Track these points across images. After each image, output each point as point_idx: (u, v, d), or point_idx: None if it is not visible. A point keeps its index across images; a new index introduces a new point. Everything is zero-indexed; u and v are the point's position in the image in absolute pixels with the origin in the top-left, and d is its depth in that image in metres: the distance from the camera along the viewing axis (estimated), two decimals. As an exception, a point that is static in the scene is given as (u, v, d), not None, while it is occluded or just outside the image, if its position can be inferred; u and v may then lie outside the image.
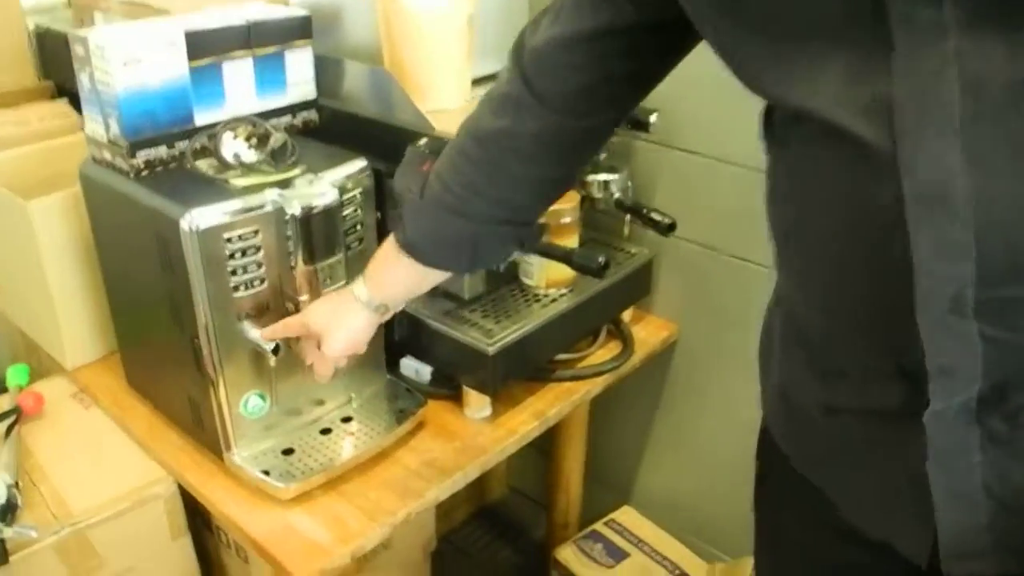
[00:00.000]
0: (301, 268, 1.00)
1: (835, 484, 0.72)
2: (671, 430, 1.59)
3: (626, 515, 1.64)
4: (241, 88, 1.12)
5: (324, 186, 1.01)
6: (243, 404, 1.06)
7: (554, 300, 1.27)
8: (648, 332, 1.45)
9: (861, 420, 0.65)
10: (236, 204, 0.97)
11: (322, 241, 1.01)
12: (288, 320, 1.00)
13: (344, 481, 1.10)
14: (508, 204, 0.84)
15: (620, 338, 1.41)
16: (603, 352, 1.39)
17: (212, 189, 1.01)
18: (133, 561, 1.16)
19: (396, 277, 0.92)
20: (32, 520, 1.09)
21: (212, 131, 1.07)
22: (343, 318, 0.95)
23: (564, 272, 1.24)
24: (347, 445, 1.11)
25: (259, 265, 0.99)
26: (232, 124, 1.08)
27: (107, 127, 1.05)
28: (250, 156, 1.06)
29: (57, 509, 1.11)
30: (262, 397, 1.07)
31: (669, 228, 1.25)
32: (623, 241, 1.44)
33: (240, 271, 0.98)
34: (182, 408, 1.14)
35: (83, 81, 1.05)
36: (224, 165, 1.05)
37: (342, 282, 1.05)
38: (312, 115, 1.22)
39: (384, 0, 1.18)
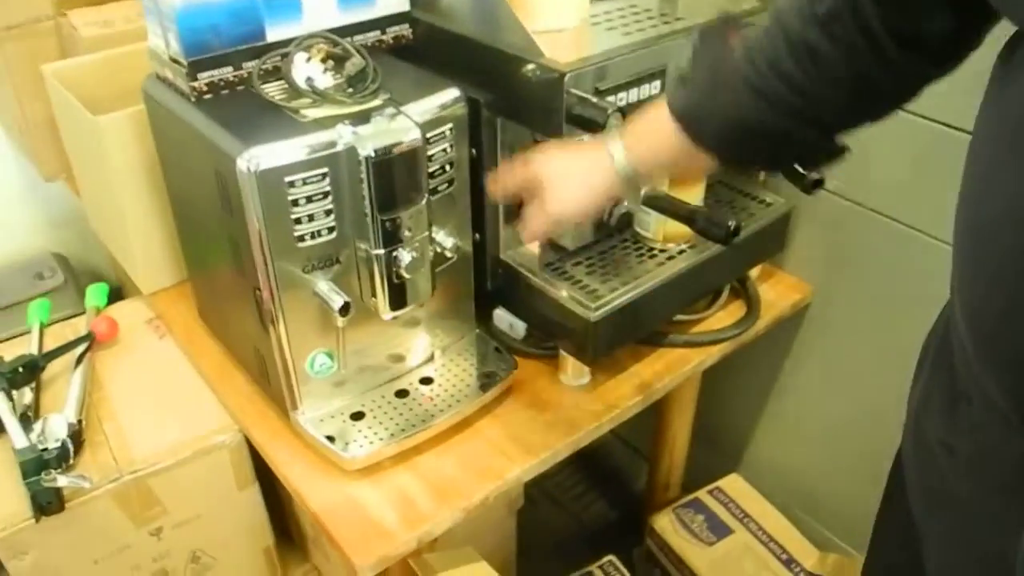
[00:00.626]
0: (376, 216, 0.86)
1: (932, 540, 0.66)
2: (792, 400, 1.41)
3: (733, 484, 1.49)
4: (321, -2, 0.96)
5: (406, 122, 0.86)
6: (309, 362, 0.95)
7: (672, 257, 1.10)
8: (777, 293, 1.26)
9: (975, 472, 0.60)
10: (303, 141, 0.83)
11: (401, 187, 0.86)
12: (516, 166, 0.84)
13: (418, 451, 0.99)
14: (819, 101, 0.67)
15: (745, 299, 1.23)
16: (724, 315, 1.21)
17: (278, 121, 0.87)
18: (198, 510, 1.09)
19: (659, 146, 0.76)
20: (93, 464, 1.03)
21: (284, 50, 0.92)
22: (585, 173, 0.80)
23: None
24: (423, 411, 0.99)
25: (327, 212, 0.86)
26: (307, 43, 0.93)
27: (167, 42, 0.92)
28: (325, 81, 0.91)
29: (119, 453, 1.04)
30: (330, 356, 0.96)
31: (815, 185, 1.04)
32: (757, 188, 1.24)
33: (306, 219, 0.85)
34: (249, 356, 1.04)
35: (142, -12, 0.92)
36: (295, 91, 0.90)
37: (425, 233, 0.90)
38: (404, 30, 1.05)
39: None
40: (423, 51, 1.05)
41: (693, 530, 1.41)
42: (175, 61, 0.92)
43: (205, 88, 0.92)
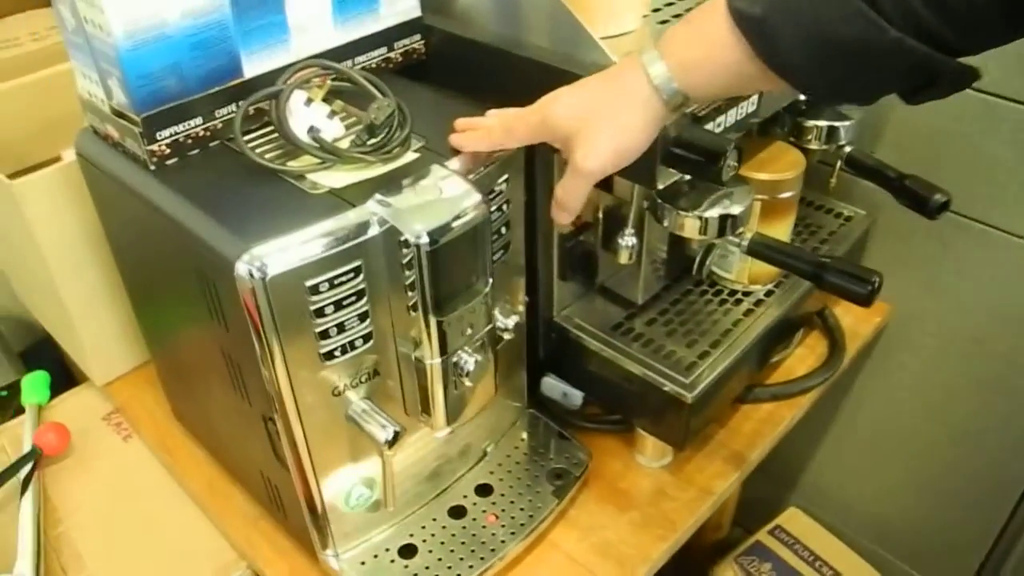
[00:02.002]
0: (432, 319, 0.63)
1: None
2: (863, 425, 1.24)
3: (794, 520, 1.32)
4: (312, 12, 0.72)
5: (459, 185, 0.63)
6: (344, 499, 0.73)
7: (760, 301, 0.90)
8: (856, 317, 1.08)
9: None
10: (323, 228, 0.60)
11: (463, 275, 0.64)
12: (515, 115, 0.65)
13: (486, 585, 0.78)
14: (938, 12, 0.49)
15: (824, 330, 1.04)
16: (803, 352, 1.02)
17: (280, 195, 0.64)
18: (201, 669, 0.86)
19: (714, 66, 0.56)
20: (61, 637, 0.79)
21: (273, 90, 0.68)
22: (614, 111, 0.60)
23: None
24: (488, 535, 0.78)
25: (362, 317, 0.63)
26: (302, 75, 0.69)
27: (107, 90, 0.67)
28: (334, 131, 0.67)
29: (94, 617, 0.80)
30: (370, 487, 0.73)
31: (942, 208, 0.85)
32: (827, 196, 1.05)
33: (334, 330, 0.62)
34: (254, 479, 0.81)
35: (63, 16, 0.66)
36: (293, 147, 0.67)
37: (489, 325, 0.68)
38: (416, 43, 0.82)
39: None
40: (442, 69, 0.82)
41: (763, 581, 1.23)
42: (121, 116, 0.68)
43: (167, 151, 0.68)
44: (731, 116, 0.73)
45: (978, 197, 0.95)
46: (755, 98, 0.75)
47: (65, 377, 1.13)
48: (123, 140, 0.70)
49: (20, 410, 1.03)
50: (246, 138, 0.69)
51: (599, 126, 0.60)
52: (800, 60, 0.53)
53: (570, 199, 0.63)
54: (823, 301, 1.03)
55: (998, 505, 1.12)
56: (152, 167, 0.68)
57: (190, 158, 0.69)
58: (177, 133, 0.68)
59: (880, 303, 1.10)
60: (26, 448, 0.94)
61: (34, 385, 1.04)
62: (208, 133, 0.70)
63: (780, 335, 0.94)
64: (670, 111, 0.59)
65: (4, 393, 1.15)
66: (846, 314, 1.08)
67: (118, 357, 1.01)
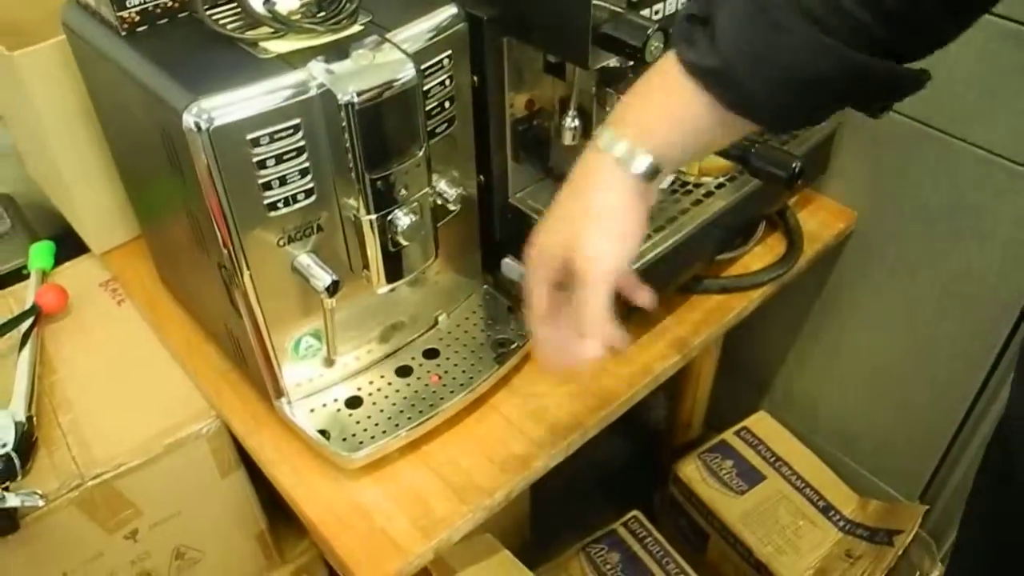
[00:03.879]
0: (365, 175, 0.69)
1: None
2: (831, 332, 1.28)
3: (761, 423, 1.38)
4: None
5: (395, 53, 0.68)
6: (293, 346, 0.80)
7: (710, 193, 0.94)
8: (819, 221, 1.11)
9: None
10: (267, 86, 0.65)
11: (394, 136, 0.69)
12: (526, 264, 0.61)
13: (427, 439, 0.85)
14: (907, 18, 0.50)
15: (784, 231, 1.08)
16: (762, 250, 1.06)
17: (233, 59, 0.69)
18: (177, 507, 0.96)
19: (677, 121, 0.54)
20: (50, 468, 0.88)
21: (234, -38, 0.73)
22: (594, 207, 0.56)
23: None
24: (431, 392, 0.85)
25: (303, 173, 0.69)
26: (262, -49, 0.73)
27: (83, -41, 0.72)
28: (288, 4, 0.72)
29: (79, 452, 0.89)
30: (317, 337, 0.80)
31: (883, 107, 0.87)
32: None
33: (276, 182, 0.68)
34: (221, 333, 0.88)
35: None
36: (251, 18, 0.72)
37: (425, 189, 0.74)
38: (380, -71, 0.85)
39: None
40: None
41: (722, 477, 1.30)
42: (97, -17, 0.73)
43: (136, 18, 0.74)
44: (670, 4, 0.76)
45: (941, 107, 0.97)
46: (697, -12, 0.78)
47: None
48: (99, 8, 0.75)
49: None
50: (211, 11, 0.74)
51: (586, 228, 0.56)
52: (767, 100, 0.52)
53: (592, 320, 0.57)
54: (783, 201, 1.06)
55: (950, 414, 1.16)
56: (123, 32, 0.73)
57: (159, 26, 0.75)
58: (146, 2, 0.74)
59: (847, 210, 1.13)
60: (27, 306, 1.03)
61: (40, 252, 1.12)
62: (176, 4, 0.75)
63: (731, 228, 0.98)
64: (649, 182, 0.56)
65: (25, 271, 1.24)
66: (811, 217, 1.11)
67: (115, 229, 1.08)
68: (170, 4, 0.75)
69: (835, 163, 1.11)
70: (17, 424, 0.88)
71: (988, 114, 0.93)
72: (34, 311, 1.02)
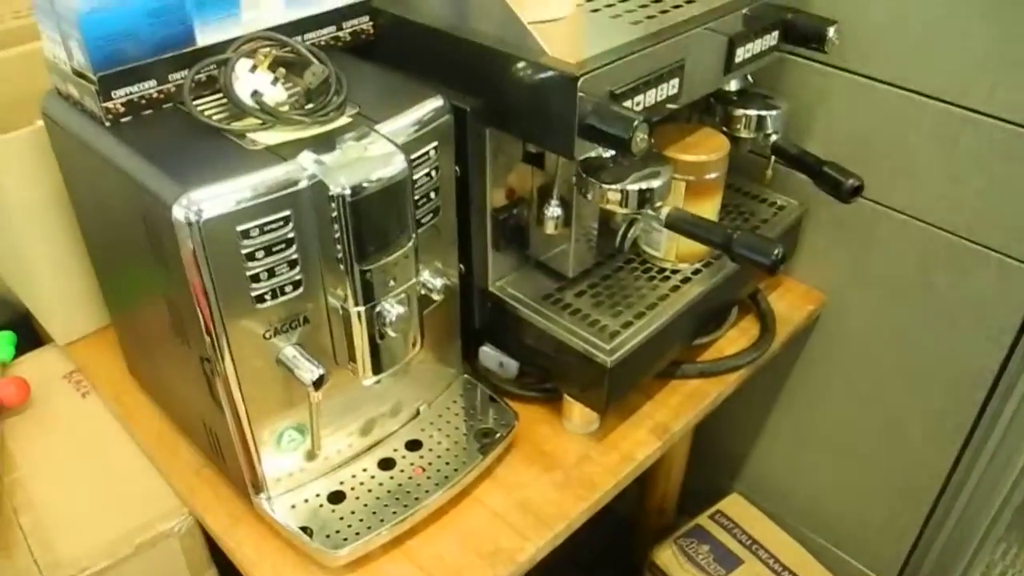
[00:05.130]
0: (354, 267, 0.68)
1: None
2: (800, 412, 1.29)
3: (735, 506, 1.37)
4: (262, -12, 0.78)
5: (385, 145, 0.69)
6: (275, 440, 0.78)
7: (687, 279, 0.95)
8: (788, 303, 1.13)
9: None
10: (256, 179, 0.65)
11: (384, 228, 0.69)
12: None
13: (411, 533, 0.82)
14: None
15: (757, 314, 1.09)
16: (736, 333, 1.07)
17: (220, 150, 0.69)
18: (143, 610, 0.91)
19: None
20: (11, 571, 0.83)
21: (221, 56, 0.73)
22: None
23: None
24: (414, 485, 0.83)
25: (292, 265, 0.68)
26: (250, 46, 0.74)
27: (68, 52, 0.72)
28: (275, 95, 0.73)
29: (42, 555, 0.85)
30: (300, 431, 0.78)
31: (855, 192, 0.91)
32: (764, 187, 1.10)
33: (265, 275, 0.67)
34: (197, 428, 0.86)
35: (31, -18, 0.72)
36: (239, 109, 0.72)
37: (412, 279, 0.73)
38: (364, 24, 0.87)
39: None
40: (388, 49, 0.87)
41: (699, 563, 1.28)
42: (81, 76, 0.73)
43: (122, 109, 0.73)
44: (650, 97, 0.78)
45: (900, 189, 1.00)
46: (675, 81, 0.81)
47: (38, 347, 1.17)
48: (82, 99, 0.75)
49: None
50: (197, 101, 0.74)
51: None
52: None
53: None
54: (754, 285, 1.08)
55: (924, 491, 1.17)
56: (107, 123, 0.73)
57: (144, 117, 0.75)
58: (132, 93, 0.73)
59: (814, 292, 1.16)
60: (-13, 400, 0.99)
61: None
62: (162, 95, 0.75)
63: (708, 313, 0.99)
64: None
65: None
66: (780, 300, 1.13)
67: (80, 318, 1.05)
68: (155, 95, 0.75)
69: (802, 246, 1.14)
70: (-24, 527, 0.83)
71: (950, 197, 0.96)
72: (-6, 405, 0.98)
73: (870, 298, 1.10)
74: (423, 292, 0.78)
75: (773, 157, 1.00)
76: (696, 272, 0.96)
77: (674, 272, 0.95)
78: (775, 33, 0.92)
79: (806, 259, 1.15)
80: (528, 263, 0.94)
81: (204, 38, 0.76)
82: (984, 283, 0.98)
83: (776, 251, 0.75)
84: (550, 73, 0.72)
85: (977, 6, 0.87)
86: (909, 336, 1.09)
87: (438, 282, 0.79)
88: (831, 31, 0.91)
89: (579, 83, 0.70)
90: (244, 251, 0.65)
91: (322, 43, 0.84)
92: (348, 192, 0.65)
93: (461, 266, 0.87)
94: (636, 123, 0.69)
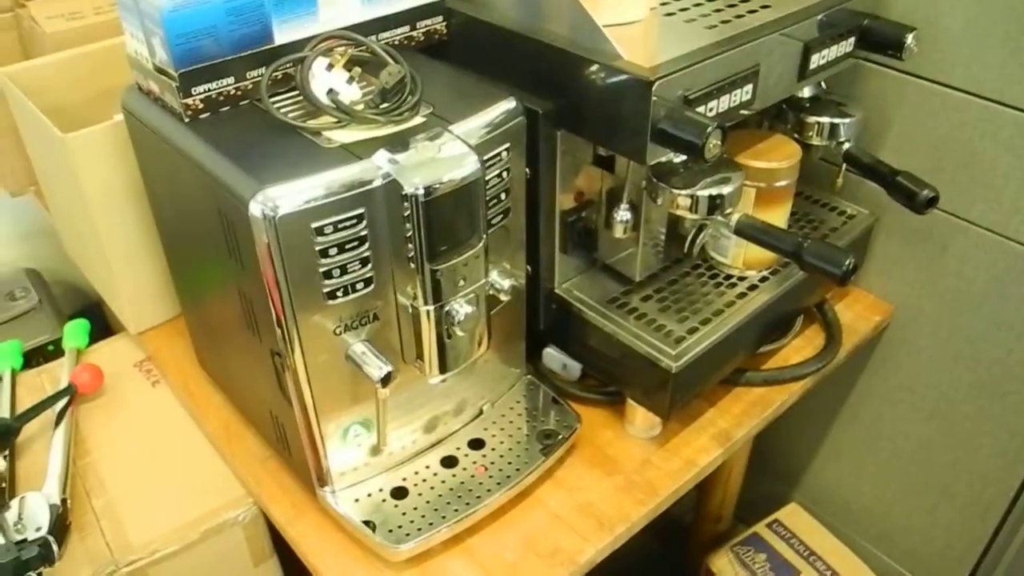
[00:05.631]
0: (426, 267, 0.69)
1: None
2: (862, 425, 1.26)
3: (793, 516, 1.35)
4: (340, -12, 0.79)
5: (459, 146, 0.69)
6: (341, 435, 0.79)
7: (754, 286, 0.94)
8: (856, 313, 1.11)
9: None
10: (332, 177, 0.66)
11: (456, 228, 0.69)
12: None
13: (471, 532, 0.83)
14: None
15: (823, 323, 1.08)
16: (801, 342, 1.06)
17: (297, 148, 0.70)
18: (207, 595, 0.93)
19: None
20: (83, 553, 0.86)
21: (297, 55, 0.74)
22: None
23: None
24: (476, 484, 0.83)
25: (364, 262, 0.69)
26: (326, 45, 0.75)
27: (151, 48, 0.74)
28: (351, 94, 0.74)
29: (113, 537, 0.88)
30: (365, 426, 0.79)
31: (929, 203, 0.89)
32: (834, 196, 1.08)
33: (337, 272, 0.68)
34: (263, 417, 0.87)
35: (119, -20, 0.74)
36: (314, 107, 0.73)
37: (482, 280, 0.74)
38: (438, 24, 0.88)
39: None
40: (461, 49, 0.88)
41: (755, 571, 1.26)
42: (162, 72, 0.75)
43: (201, 105, 0.75)
44: (723, 102, 0.78)
45: (976, 200, 0.98)
46: (749, 87, 0.80)
47: (108, 336, 1.21)
48: (162, 94, 0.77)
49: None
50: (273, 99, 0.76)
51: None
52: None
53: None
54: (821, 294, 1.06)
55: (990, 509, 1.14)
56: (186, 119, 0.75)
57: (221, 114, 0.76)
58: (211, 90, 0.75)
59: (882, 302, 1.13)
60: (63, 386, 1.02)
61: (74, 331, 1.12)
62: (239, 92, 0.77)
63: (774, 321, 0.97)
64: None
65: (51, 348, 1.24)
66: (847, 310, 1.11)
67: (152, 309, 1.08)
68: (233, 92, 0.76)
69: (871, 256, 1.11)
70: (52, 507, 0.86)
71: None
72: (70, 391, 1.01)
73: (941, 310, 1.08)
74: (491, 292, 0.79)
75: (845, 165, 0.98)
76: (763, 279, 0.94)
77: (741, 279, 0.94)
78: (851, 39, 0.90)
79: (875, 269, 1.13)
80: (595, 266, 0.94)
81: (282, 36, 0.77)
82: (1063, 298, 0.95)
83: (848, 261, 0.74)
84: (624, 77, 0.72)
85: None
86: (980, 350, 1.06)
87: (506, 283, 0.79)
88: (909, 38, 0.89)
89: (653, 88, 0.70)
90: (318, 248, 0.66)
91: (396, 42, 0.85)
92: (421, 192, 0.65)
93: (528, 267, 0.88)
94: (710, 129, 0.68)
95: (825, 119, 0.94)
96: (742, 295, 0.93)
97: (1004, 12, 0.88)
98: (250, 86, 0.77)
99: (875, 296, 1.14)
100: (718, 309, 0.90)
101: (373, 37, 0.81)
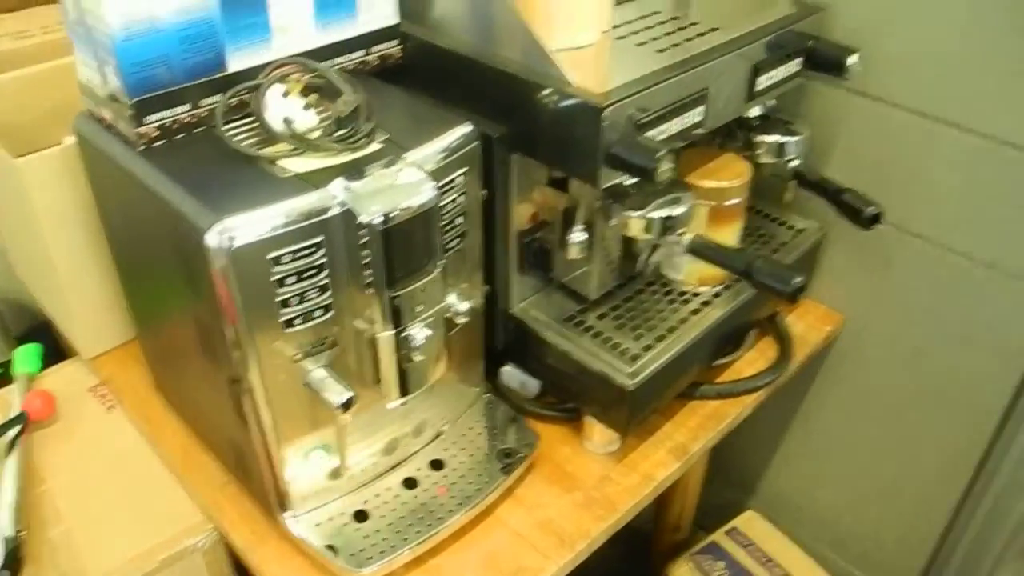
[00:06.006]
0: (384, 293, 0.70)
1: None
2: (816, 433, 1.29)
3: (751, 523, 1.37)
4: (294, 14, 0.79)
5: (415, 173, 0.70)
6: (301, 460, 0.79)
7: (707, 302, 0.96)
8: (807, 324, 1.14)
9: None
10: (288, 206, 0.66)
11: (413, 255, 0.70)
12: None
13: (434, 552, 0.83)
14: None
15: (775, 335, 1.10)
16: (754, 355, 1.08)
17: (253, 177, 0.70)
18: (167, 623, 0.92)
19: None
20: (37, 583, 0.85)
21: (253, 83, 0.75)
22: None
23: (722, 267, 0.92)
24: (438, 505, 0.84)
25: (322, 290, 0.69)
26: (282, 72, 0.75)
27: (103, 77, 0.74)
28: (306, 120, 0.74)
29: (70, 566, 0.86)
30: (326, 450, 0.79)
31: (874, 220, 0.91)
32: (784, 210, 1.11)
33: (295, 300, 0.69)
34: (223, 444, 0.87)
35: (67, 8, 0.73)
36: (269, 134, 0.73)
37: (440, 304, 0.74)
38: (393, 48, 0.89)
39: None
40: (416, 73, 0.88)
41: (715, 580, 1.28)
42: (115, 100, 0.74)
43: (155, 133, 0.75)
44: (674, 125, 0.79)
45: (920, 214, 1.01)
46: (699, 109, 0.82)
47: (58, 358, 1.19)
48: (116, 122, 0.76)
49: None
50: (230, 126, 0.76)
51: None
52: None
53: None
54: (773, 307, 1.09)
55: (937, 513, 1.17)
56: (140, 148, 0.74)
57: (176, 142, 0.76)
58: (165, 118, 0.75)
59: (833, 313, 1.16)
60: (14, 413, 1.00)
61: (25, 356, 1.10)
62: (194, 119, 0.77)
63: (727, 335, 0.99)
64: None
65: (0, 372, 1.22)
66: (799, 321, 1.14)
67: (106, 332, 1.07)
68: (188, 120, 0.76)
69: (821, 268, 1.14)
70: (5, 540, 0.85)
71: (969, 222, 0.97)
72: (22, 419, 0.99)
73: (888, 320, 1.11)
74: (449, 315, 0.79)
75: (794, 182, 1.01)
76: (716, 295, 0.96)
77: (695, 295, 0.96)
78: (797, 60, 0.93)
79: (825, 280, 1.15)
80: (552, 284, 0.95)
81: (236, 63, 0.77)
82: (1001, 308, 0.98)
83: (796, 280, 0.76)
84: (575, 102, 0.73)
85: (992, 38, 0.87)
86: (926, 359, 1.09)
87: (464, 305, 0.80)
88: (852, 59, 0.92)
89: (604, 114, 0.71)
90: (275, 278, 0.67)
91: (351, 67, 0.85)
92: (378, 220, 0.66)
93: (486, 287, 0.88)
94: (660, 154, 0.70)
95: (773, 138, 0.96)
96: (696, 311, 0.94)
97: (941, 35, 0.91)
98: (205, 113, 0.76)
99: (826, 307, 1.16)
100: (672, 325, 0.92)
101: (328, 63, 0.82)
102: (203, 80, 0.75)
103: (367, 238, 0.67)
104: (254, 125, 0.75)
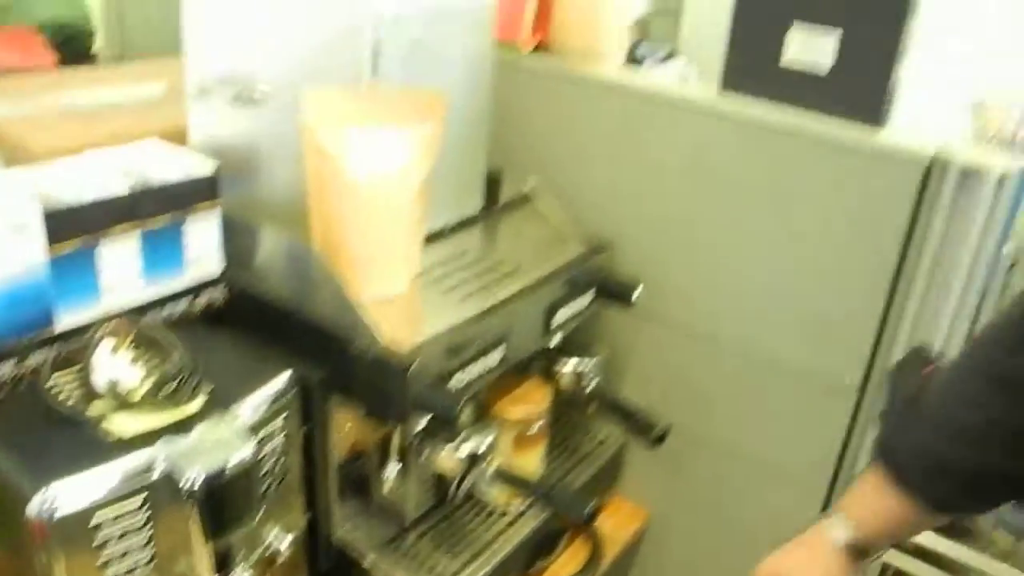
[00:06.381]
0: (204, 546, 0.73)
1: None
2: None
3: None
4: (123, 273, 0.85)
5: (236, 430, 0.76)
6: None
7: (520, 515, 1.04)
8: (617, 522, 1.24)
9: None
10: (111, 471, 0.70)
11: (234, 509, 0.75)
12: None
13: None
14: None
15: (585, 536, 1.19)
16: (568, 557, 1.16)
17: (77, 439, 0.74)
18: None
19: (880, 508, 0.72)
20: None
21: (82, 340, 0.79)
22: (805, 569, 0.74)
23: (529, 484, 1.01)
24: None
25: (146, 544, 0.73)
26: (110, 331, 0.81)
27: (-71, 343, 0.77)
28: (132, 381, 0.79)
29: None
30: None
31: (660, 439, 1.04)
32: (586, 421, 1.23)
33: (117, 560, 0.71)
34: None
35: None
36: (93, 390, 0.77)
37: (260, 548, 0.79)
38: (217, 294, 0.95)
39: (315, 153, 0.91)
40: (239, 316, 0.95)
41: None
42: (-62, 362, 0.77)
43: (-22, 393, 0.77)
44: (477, 368, 0.89)
45: (707, 420, 1.15)
46: (500, 349, 0.92)
47: None
48: (-63, 383, 0.78)
49: None
50: (59, 373, 0.79)
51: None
52: (930, 489, 0.69)
53: None
54: (584, 508, 1.18)
55: None
56: (-33, 399, 0.77)
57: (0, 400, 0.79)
58: (-12, 377, 0.78)
59: (640, 509, 1.27)
60: None
61: None
62: (20, 374, 0.80)
63: (541, 544, 1.07)
64: (849, 557, 0.73)
65: None
66: (609, 519, 1.23)
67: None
68: (13, 375, 0.79)
69: (626, 467, 1.25)
70: None
71: (752, 430, 1.11)
72: None
73: (688, 516, 1.22)
74: (272, 550, 0.83)
75: (592, 399, 1.13)
76: (523, 513, 1.05)
77: (504, 512, 1.04)
78: (589, 294, 1.06)
79: (631, 479, 1.27)
80: (372, 506, 1.01)
81: (65, 321, 0.82)
82: (782, 499, 1.11)
83: (586, 509, 0.86)
84: (384, 358, 0.82)
85: (749, 268, 1.04)
86: (723, 553, 1.20)
87: (286, 540, 0.84)
88: (636, 291, 1.06)
89: (409, 371, 0.80)
90: (96, 542, 0.69)
91: (178, 313, 0.91)
92: (198, 481, 0.71)
93: (308, 514, 0.93)
94: (460, 404, 0.79)
95: (570, 366, 1.08)
96: (510, 524, 1.02)
97: (709, 272, 1.07)
98: (31, 370, 0.80)
99: (633, 503, 1.27)
100: (487, 541, 0.99)
101: (156, 310, 0.88)
102: (30, 338, 0.79)
103: (188, 496, 0.72)
104: (80, 380, 0.79)
